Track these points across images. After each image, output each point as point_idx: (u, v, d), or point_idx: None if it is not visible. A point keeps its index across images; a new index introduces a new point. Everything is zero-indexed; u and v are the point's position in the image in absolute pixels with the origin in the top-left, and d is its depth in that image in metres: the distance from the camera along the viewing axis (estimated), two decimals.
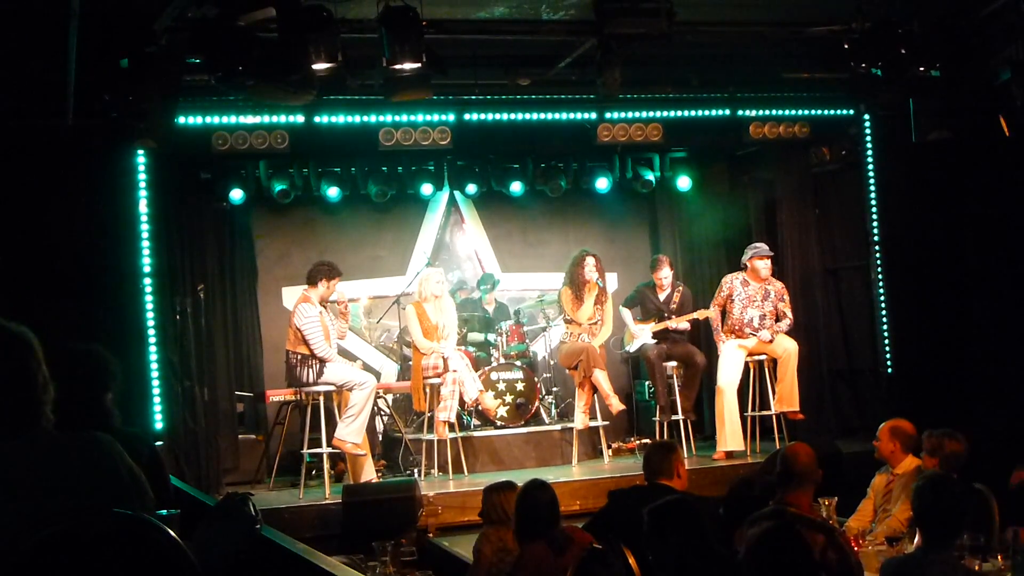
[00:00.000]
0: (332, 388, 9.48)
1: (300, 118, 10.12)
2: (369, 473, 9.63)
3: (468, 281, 12.95)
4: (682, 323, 10.99)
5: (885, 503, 6.93)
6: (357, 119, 10.31)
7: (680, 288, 11.18)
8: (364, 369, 10.25)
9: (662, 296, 11.12)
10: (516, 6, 9.01)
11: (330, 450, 9.49)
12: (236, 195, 11.02)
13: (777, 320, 10.60)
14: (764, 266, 10.55)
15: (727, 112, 11.15)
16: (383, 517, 8.50)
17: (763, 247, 10.70)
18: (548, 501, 5.58)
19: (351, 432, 9.35)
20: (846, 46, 9.07)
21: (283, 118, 10.08)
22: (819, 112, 11.35)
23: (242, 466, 10.74)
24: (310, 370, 9.39)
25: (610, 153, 11.96)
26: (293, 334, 9.48)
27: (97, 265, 9.20)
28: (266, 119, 10.06)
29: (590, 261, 10.57)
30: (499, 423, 10.93)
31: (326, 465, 9.56)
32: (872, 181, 11.41)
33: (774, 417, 10.61)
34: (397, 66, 7.92)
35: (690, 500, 4.98)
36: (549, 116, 10.81)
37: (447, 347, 10.23)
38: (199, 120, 9.90)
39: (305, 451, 9.66)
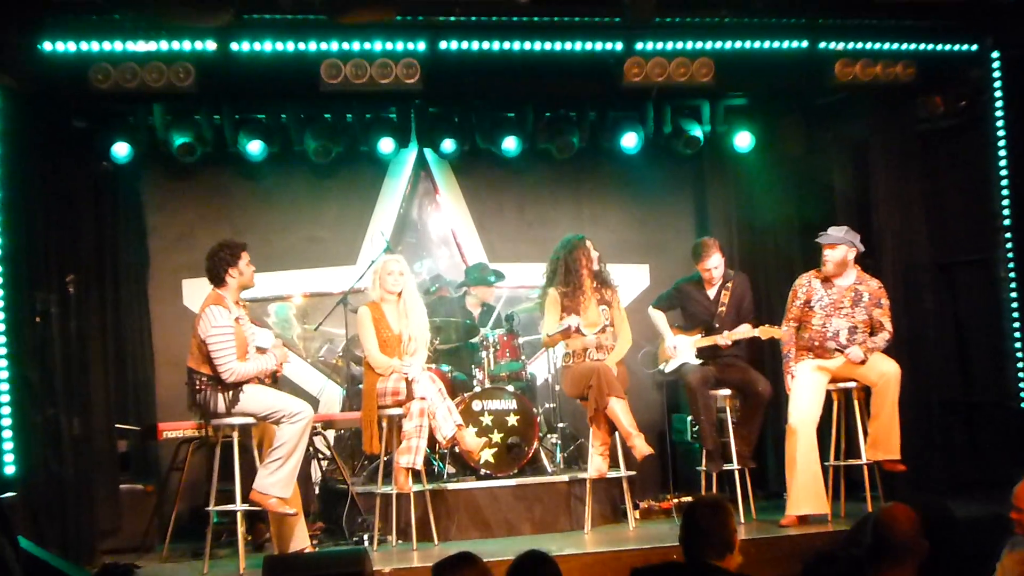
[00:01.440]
0: (251, 421, 9.45)
1: (211, 45, 10.13)
2: (301, 540, 9.61)
3: (445, 274, 12.97)
4: (738, 335, 10.91)
5: None
6: (290, 47, 10.32)
7: (730, 283, 11.12)
8: (294, 393, 10.24)
9: (711, 292, 11.11)
10: None
11: (247, 507, 9.46)
12: (121, 151, 11.02)
13: (872, 334, 10.60)
14: (833, 259, 10.51)
15: (804, 44, 11.18)
16: None
17: (836, 232, 10.61)
18: None
19: (277, 483, 9.31)
20: None
21: (187, 45, 10.09)
22: (930, 47, 11.37)
23: (125, 527, 10.72)
24: (221, 396, 9.38)
25: (641, 99, 11.98)
26: (197, 347, 9.46)
27: None
28: (164, 46, 10.06)
29: (590, 244, 10.64)
30: (484, 471, 10.93)
31: (240, 528, 9.53)
32: (1002, 144, 11.43)
33: (865, 468, 10.61)
34: None
35: None
36: (558, 46, 10.82)
37: (413, 365, 10.23)
38: (71, 48, 9.89)
39: (212, 508, 9.64)
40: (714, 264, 11.04)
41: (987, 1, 9.08)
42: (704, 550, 5.89)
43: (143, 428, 11.32)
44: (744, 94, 12.35)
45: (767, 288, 12.39)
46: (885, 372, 10.45)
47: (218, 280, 9.54)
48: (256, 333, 9.72)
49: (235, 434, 9.46)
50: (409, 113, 12.03)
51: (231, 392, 9.36)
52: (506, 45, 10.70)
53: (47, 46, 9.42)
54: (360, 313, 10.53)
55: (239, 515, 9.48)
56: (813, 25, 11.18)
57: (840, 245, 10.49)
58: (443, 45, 10.58)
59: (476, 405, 11.05)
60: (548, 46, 10.78)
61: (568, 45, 10.84)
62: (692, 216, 13.48)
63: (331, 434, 11.66)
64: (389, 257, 10.89)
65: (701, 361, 11.01)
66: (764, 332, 10.74)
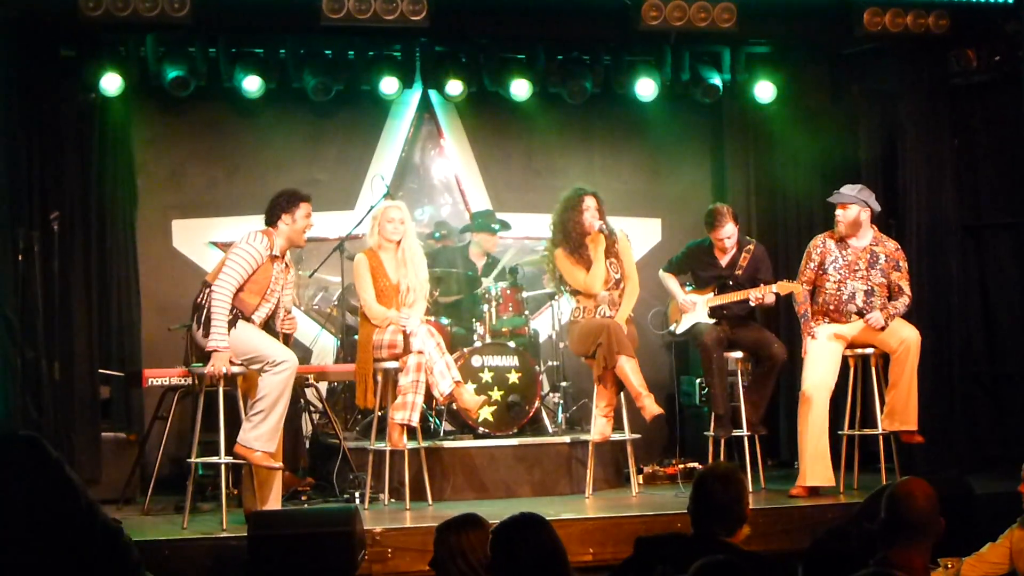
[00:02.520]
0: (236, 369, 9.39)
1: None
2: (275, 500, 9.58)
3: (448, 222, 12.95)
4: (758, 294, 10.82)
5: None
6: None
7: (751, 247, 11.08)
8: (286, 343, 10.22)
9: (723, 261, 11.04)
10: None
11: (230, 460, 9.45)
12: (111, 83, 10.97)
13: (890, 298, 10.55)
14: (845, 219, 10.43)
15: None
16: (306, 560, 8.48)
17: (849, 191, 10.53)
18: (545, 548, 5.54)
19: (261, 436, 9.26)
20: None
21: None
22: None
23: (106, 477, 10.73)
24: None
25: (659, 44, 11.93)
26: (222, 263, 9.41)
27: None
28: None
29: (590, 202, 10.54)
30: (482, 430, 10.95)
31: (223, 482, 9.50)
32: None
33: (881, 439, 10.61)
34: None
35: (752, 561, 4.96)
36: None
37: (411, 318, 10.19)
38: None
39: (193, 460, 9.63)
40: (727, 234, 10.88)
41: None
42: (713, 524, 5.87)
43: (127, 374, 11.29)
44: (767, 42, 12.30)
45: (786, 247, 12.36)
46: (905, 339, 10.42)
47: (272, 222, 9.52)
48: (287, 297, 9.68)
49: (219, 382, 9.42)
50: (414, 51, 12.00)
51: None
52: None
53: None
54: (356, 260, 10.46)
55: (222, 468, 9.45)
56: None
57: (852, 204, 10.43)
58: None
59: (476, 361, 11.06)
60: None
61: None
62: (708, 169, 13.45)
63: (324, 387, 11.66)
64: (389, 203, 10.84)
65: (715, 321, 10.96)
66: (782, 287, 10.63)
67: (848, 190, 10.49)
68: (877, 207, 10.55)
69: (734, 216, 10.98)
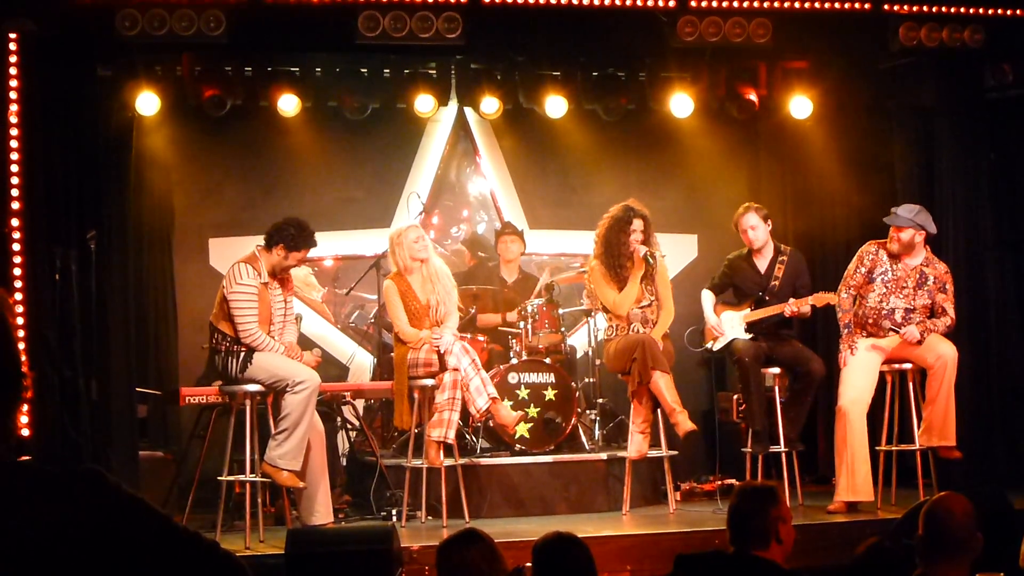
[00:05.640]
0: (260, 388, 9.46)
1: None
2: (324, 514, 9.63)
3: (485, 238, 12.98)
4: (793, 308, 10.76)
5: None
6: None
7: (785, 256, 11.04)
8: (324, 361, 10.24)
9: (762, 265, 10.99)
10: None
11: (256, 479, 9.49)
12: (148, 103, 11.02)
13: (931, 318, 10.49)
14: (902, 241, 10.40)
15: (867, 6, 11.11)
16: None
17: (906, 214, 10.50)
18: (576, 566, 5.54)
19: (285, 455, 9.32)
20: None
21: None
22: (999, 12, 11.28)
23: (143, 495, 10.74)
24: (234, 359, 9.41)
25: (695, 60, 11.91)
26: (219, 303, 9.51)
27: None
28: None
29: (637, 225, 10.51)
30: (519, 447, 10.95)
31: (248, 499, 9.50)
32: None
33: (919, 454, 10.57)
34: None
35: None
36: (607, 1, 10.76)
37: (444, 336, 10.18)
38: None
39: (224, 477, 9.66)
40: (749, 224, 10.84)
41: None
42: (746, 539, 5.85)
43: (164, 393, 11.36)
44: (803, 57, 12.26)
45: (823, 262, 12.33)
46: (943, 354, 10.37)
47: (268, 245, 9.56)
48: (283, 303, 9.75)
49: (248, 401, 9.48)
50: (449, 69, 12.01)
51: (242, 355, 9.38)
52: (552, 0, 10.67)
53: None
54: (385, 288, 10.48)
55: (247, 486, 9.54)
56: None
57: (908, 228, 10.38)
58: None
59: (512, 378, 11.06)
60: (597, 1, 10.72)
61: (618, 1, 10.78)
62: (745, 185, 13.43)
63: (361, 404, 11.68)
64: (404, 227, 10.72)
65: (752, 337, 10.93)
66: (818, 299, 10.58)
67: (905, 212, 10.40)
68: (933, 229, 10.45)
69: (763, 215, 10.93)
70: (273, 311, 9.55)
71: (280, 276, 9.69)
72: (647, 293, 10.56)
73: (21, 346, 9.18)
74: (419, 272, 10.36)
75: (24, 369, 2.84)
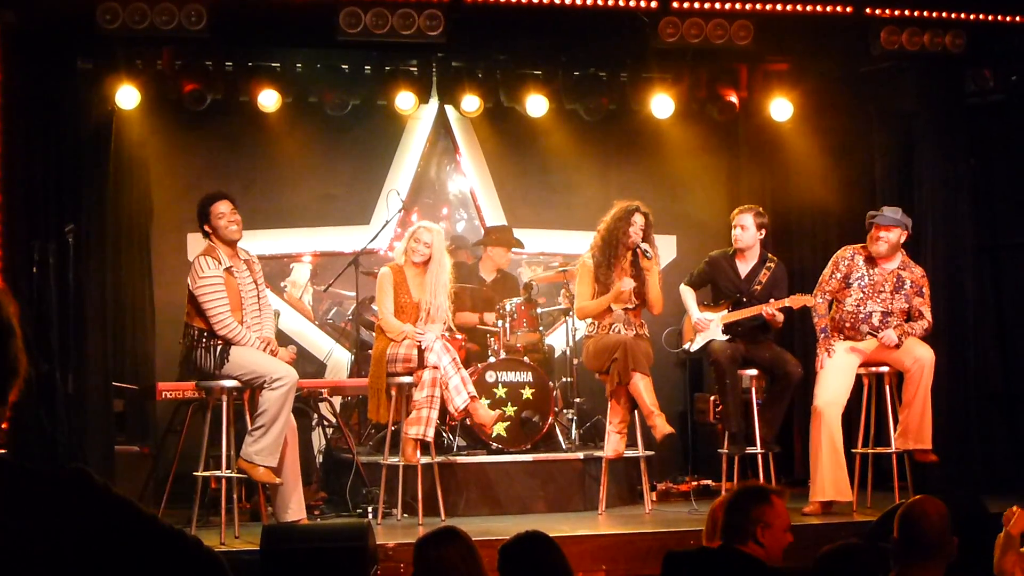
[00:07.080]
0: (236, 384, 9.42)
1: None
2: (297, 511, 9.60)
3: (465, 238, 12.97)
4: (770, 309, 10.77)
5: None
6: None
7: (772, 264, 11.05)
8: (300, 358, 10.22)
9: (743, 268, 11.00)
10: None
11: (232, 474, 9.46)
12: (128, 97, 11.01)
13: (908, 320, 10.51)
14: (890, 241, 10.44)
15: (849, 9, 11.12)
16: (319, 575, 8.49)
17: (893, 214, 10.55)
18: (551, 566, 5.54)
19: (261, 451, 9.27)
20: None
21: None
22: (981, 17, 11.30)
23: (119, 490, 10.70)
24: (210, 355, 9.37)
25: (676, 61, 11.93)
26: (189, 300, 9.48)
27: None
28: None
29: (638, 219, 10.51)
30: (496, 446, 10.96)
31: (224, 495, 9.47)
32: None
33: (895, 457, 10.59)
34: None
35: None
36: (590, 1, 10.76)
37: (427, 333, 10.17)
38: None
39: (200, 473, 9.63)
40: (741, 223, 10.82)
41: None
42: (728, 532, 5.86)
43: (141, 387, 11.34)
44: (784, 59, 12.28)
45: (801, 265, 12.33)
46: (920, 358, 10.39)
47: (204, 234, 9.54)
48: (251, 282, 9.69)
49: (225, 397, 9.45)
50: (431, 67, 12.02)
51: (219, 350, 9.34)
52: None
53: None
54: (381, 273, 10.45)
55: (223, 482, 9.47)
56: None
57: (896, 228, 10.41)
58: None
59: (490, 376, 11.06)
60: (579, 1, 10.73)
61: (600, 1, 10.79)
62: (724, 187, 13.45)
63: (337, 401, 11.67)
64: (424, 225, 10.59)
65: (729, 338, 10.94)
66: (795, 301, 10.53)
67: (892, 212, 10.42)
68: (910, 232, 10.55)
69: (759, 221, 10.84)
70: (243, 295, 9.47)
71: (246, 259, 9.63)
72: (634, 295, 10.55)
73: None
74: (419, 272, 10.33)
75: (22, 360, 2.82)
